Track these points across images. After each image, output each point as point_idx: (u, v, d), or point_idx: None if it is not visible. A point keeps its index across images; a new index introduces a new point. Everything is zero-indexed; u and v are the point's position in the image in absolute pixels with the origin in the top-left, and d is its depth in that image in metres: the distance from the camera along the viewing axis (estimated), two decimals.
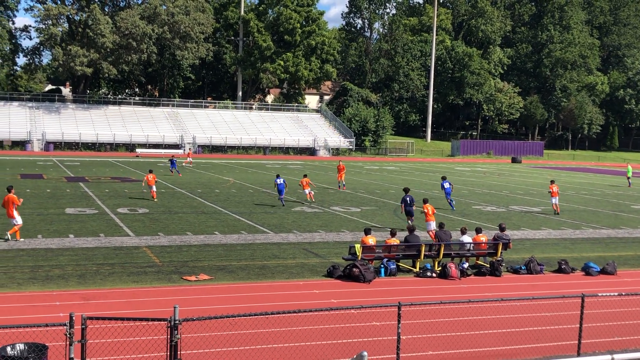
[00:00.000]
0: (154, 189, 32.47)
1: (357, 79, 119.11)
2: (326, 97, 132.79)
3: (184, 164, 58.11)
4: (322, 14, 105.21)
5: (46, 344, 8.91)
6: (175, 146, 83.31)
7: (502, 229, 20.16)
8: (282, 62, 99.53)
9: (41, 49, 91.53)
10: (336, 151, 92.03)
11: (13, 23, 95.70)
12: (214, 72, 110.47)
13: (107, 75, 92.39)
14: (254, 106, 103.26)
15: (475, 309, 14.35)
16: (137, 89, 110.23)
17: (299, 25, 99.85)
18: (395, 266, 18.06)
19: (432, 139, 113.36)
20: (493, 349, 12.27)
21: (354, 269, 16.96)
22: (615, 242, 24.65)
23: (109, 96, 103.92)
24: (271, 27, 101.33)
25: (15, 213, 20.66)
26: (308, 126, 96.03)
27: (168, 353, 9.02)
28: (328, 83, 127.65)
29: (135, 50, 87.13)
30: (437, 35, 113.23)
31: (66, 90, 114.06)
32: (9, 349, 8.61)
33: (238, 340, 11.75)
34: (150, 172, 33.10)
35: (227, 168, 58.14)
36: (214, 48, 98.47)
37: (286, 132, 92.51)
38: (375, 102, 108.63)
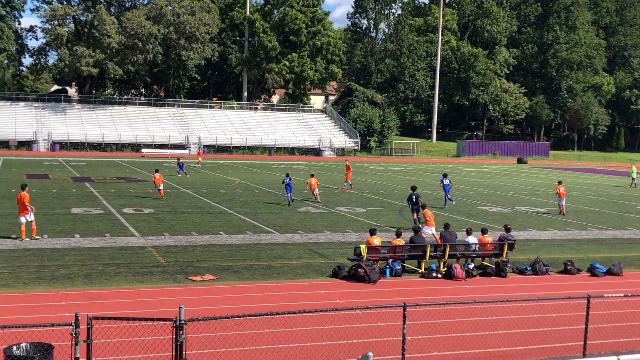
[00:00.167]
0: (162, 187, 32.76)
1: (363, 79, 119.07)
2: (331, 98, 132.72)
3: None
4: (327, 14, 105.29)
5: (52, 344, 8.92)
6: (181, 146, 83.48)
7: (507, 230, 20.14)
8: (287, 63, 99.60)
9: (47, 49, 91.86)
10: (341, 151, 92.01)
11: (19, 23, 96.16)
12: (219, 72, 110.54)
13: (112, 75, 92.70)
14: (259, 106, 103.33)
15: (480, 310, 14.32)
16: (142, 89, 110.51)
17: (304, 25, 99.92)
18: (400, 267, 18.03)
19: (437, 139, 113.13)
20: (498, 349, 12.25)
21: (359, 270, 16.95)
22: (621, 243, 24.56)
23: (115, 96, 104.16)
24: (277, 28, 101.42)
25: (29, 209, 20.83)
26: (313, 126, 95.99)
27: (173, 353, 9.02)
28: (333, 83, 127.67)
29: (141, 51, 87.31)
30: (442, 35, 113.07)
31: (72, 91, 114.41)
32: (14, 348, 8.64)
33: (243, 341, 11.76)
34: (157, 171, 33.36)
35: (233, 168, 58.18)
36: (219, 48, 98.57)
37: (291, 132, 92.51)
38: (381, 102, 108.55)
